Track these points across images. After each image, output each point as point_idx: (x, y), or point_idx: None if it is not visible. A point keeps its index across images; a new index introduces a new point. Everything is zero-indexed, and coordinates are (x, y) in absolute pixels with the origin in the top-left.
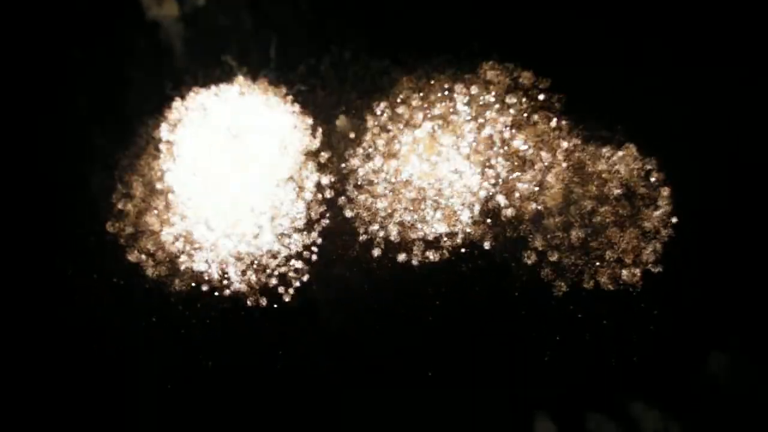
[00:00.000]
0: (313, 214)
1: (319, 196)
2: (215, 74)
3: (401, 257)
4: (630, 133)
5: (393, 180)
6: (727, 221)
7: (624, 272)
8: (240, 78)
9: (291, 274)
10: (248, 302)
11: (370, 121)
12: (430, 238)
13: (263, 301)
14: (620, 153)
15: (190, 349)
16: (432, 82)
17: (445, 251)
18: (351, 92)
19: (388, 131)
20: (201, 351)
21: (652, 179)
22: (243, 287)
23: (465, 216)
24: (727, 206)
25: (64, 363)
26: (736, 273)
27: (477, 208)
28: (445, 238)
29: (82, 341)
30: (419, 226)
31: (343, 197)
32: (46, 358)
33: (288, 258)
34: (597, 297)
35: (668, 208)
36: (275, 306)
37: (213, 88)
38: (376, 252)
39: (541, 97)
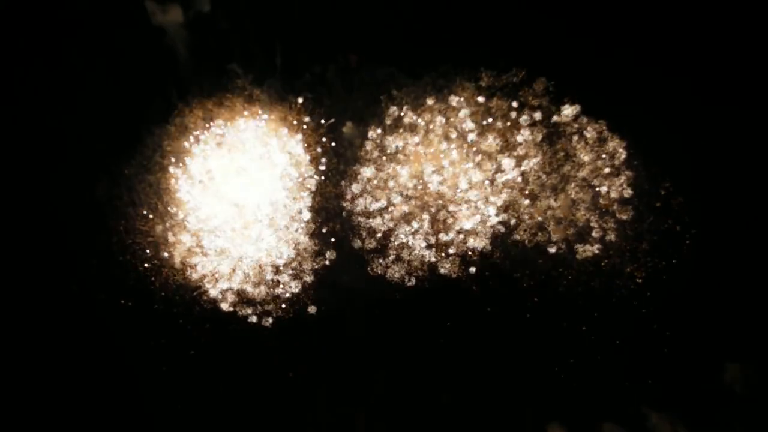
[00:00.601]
0: (320, 221)
1: (327, 203)
2: (221, 82)
3: (409, 266)
4: (638, 144)
5: (399, 188)
6: (742, 232)
7: (637, 281)
8: (246, 86)
9: (298, 283)
10: (255, 313)
11: (377, 129)
12: (440, 246)
13: (272, 310)
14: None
15: (196, 358)
16: (437, 90)
17: (455, 260)
18: (357, 100)
19: (393, 138)
20: (208, 359)
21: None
22: (251, 295)
23: (469, 226)
24: (742, 218)
25: (67, 373)
26: (751, 283)
27: (487, 217)
28: (454, 249)
29: (89, 353)
30: (426, 235)
31: (349, 205)
32: (49, 366)
33: (295, 267)
34: (611, 308)
35: (679, 220)
36: (283, 315)
37: (219, 96)
38: (383, 260)
39: (548, 104)
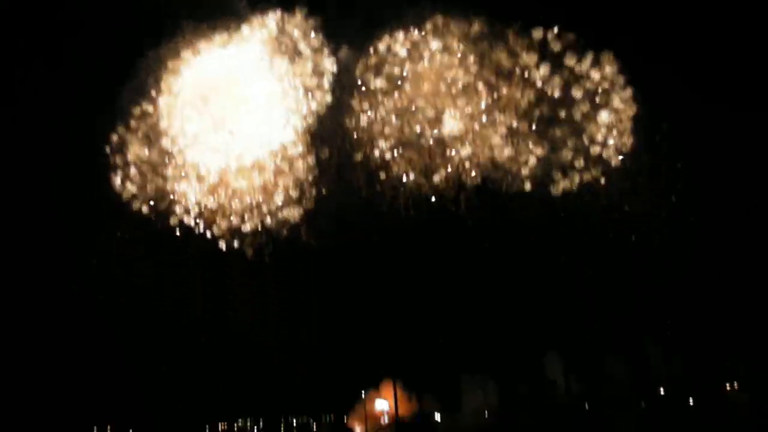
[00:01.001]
0: (317, 150)
1: (323, 131)
2: (215, 5)
3: (405, 197)
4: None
5: (396, 116)
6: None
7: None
8: (241, 9)
9: (296, 212)
10: (251, 246)
11: (373, 55)
12: (435, 177)
13: (268, 241)
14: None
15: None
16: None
17: (451, 192)
18: (354, 24)
19: (390, 65)
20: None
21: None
22: (248, 227)
23: (466, 156)
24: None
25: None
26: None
27: (484, 149)
28: (450, 180)
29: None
30: (421, 167)
31: (346, 133)
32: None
33: (292, 196)
34: (610, 243)
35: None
36: (280, 246)
37: (213, 20)
38: (380, 189)
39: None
